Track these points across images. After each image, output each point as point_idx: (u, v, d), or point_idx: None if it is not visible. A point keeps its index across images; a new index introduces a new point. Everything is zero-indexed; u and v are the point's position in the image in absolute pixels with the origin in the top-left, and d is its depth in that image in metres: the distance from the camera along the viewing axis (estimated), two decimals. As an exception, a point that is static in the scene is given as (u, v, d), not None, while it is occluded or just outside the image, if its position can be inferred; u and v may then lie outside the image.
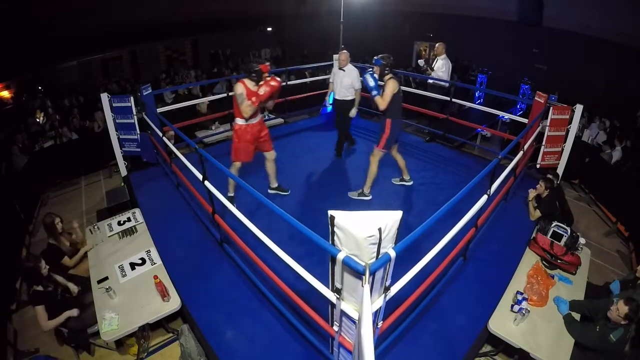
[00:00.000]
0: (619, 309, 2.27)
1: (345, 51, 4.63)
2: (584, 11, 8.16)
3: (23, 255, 4.11)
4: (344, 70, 4.58)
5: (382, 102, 3.48)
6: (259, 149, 3.75)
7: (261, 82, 3.35)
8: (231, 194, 3.85)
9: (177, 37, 12.10)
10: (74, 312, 2.76)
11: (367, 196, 4.06)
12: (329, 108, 6.90)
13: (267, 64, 3.42)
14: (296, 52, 13.81)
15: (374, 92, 3.46)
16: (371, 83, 3.43)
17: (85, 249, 3.35)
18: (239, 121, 3.49)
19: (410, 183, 4.36)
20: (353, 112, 4.73)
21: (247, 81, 3.38)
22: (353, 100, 4.68)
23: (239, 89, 3.33)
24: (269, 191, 4.15)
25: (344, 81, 4.58)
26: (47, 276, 2.75)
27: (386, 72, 3.50)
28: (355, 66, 4.75)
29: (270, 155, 3.85)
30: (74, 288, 2.90)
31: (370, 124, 6.45)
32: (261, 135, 3.65)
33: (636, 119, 6.95)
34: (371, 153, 3.91)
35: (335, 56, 6.21)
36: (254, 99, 3.32)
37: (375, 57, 3.55)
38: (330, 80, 4.91)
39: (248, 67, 3.40)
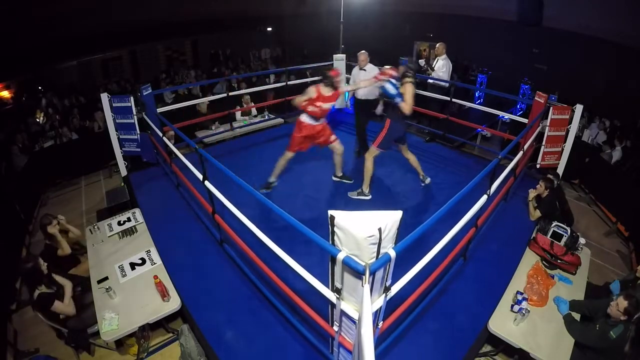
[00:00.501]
0: (619, 304, 2.29)
1: (364, 51, 4.71)
2: (584, 11, 8.15)
3: (23, 255, 4.11)
4: (365, 70, 4.62)
5: (407, 107, 3.42)
6: (317, 145, 4.03)
7: (333, 90, 3.64)
8: (272, 180, 4.15)
9: (177, 37, 12.09)
10: (68, 285, 2.81)
11: (366, 195, 4.03)
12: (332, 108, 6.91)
13: (336, 68, 3.84)
14: (296, 52, 13.80)
15: (398, 100, 3.46)
16: (392, 91, 3.46)
17: (55, 230, 3.25)
18: (304, 117, 3.77)
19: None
20: (379, 110, 4.78)
21: (321, 87, 3.64)
22: (375, 100, 4.71)
23: (312, 92, 3.60)
24: (333, 178, 4.41)
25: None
26: (48, 275, 2.75)
27: (409, 74, 3.45)
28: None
29: (335, 148, 4.03)
30: (68, 290, 2.88)
31: (371, 124, 6.42)
32: (319, 137, 3.90)
33: (636, 119, 6.95)
34: (367, 151, 3.97)
35: (336, 56, 6.24)
36: (318, 104, 3.61)
37: (401, 58, 3.75)
38: (351, 81, 4.90)
39: (321, 74, 3.72)
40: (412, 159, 4.16)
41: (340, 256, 1.55)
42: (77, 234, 3.53)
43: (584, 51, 8.44)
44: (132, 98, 4.45)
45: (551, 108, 4.14)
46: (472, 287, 2.97)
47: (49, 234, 3.21)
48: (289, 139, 3.92)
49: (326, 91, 3.62)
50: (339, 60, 6.25)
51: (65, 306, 2.72)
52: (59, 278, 2.87)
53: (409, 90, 3.41)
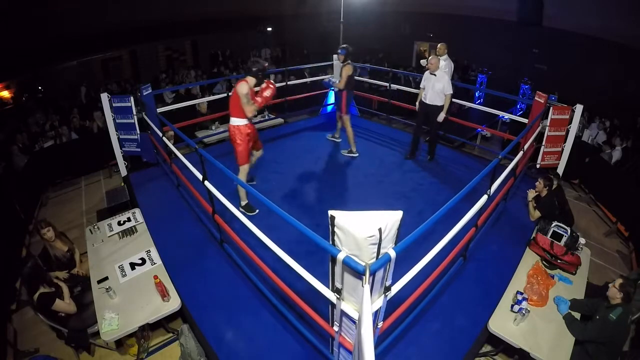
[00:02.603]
0: (615, 283, 2.40)
1: (435, 56, 4.57)
2: (584, 11, 8.16)
3: (23, 255, 4.12)
4: (435, 75, 4.44)
5: (341, 84, 4.70)
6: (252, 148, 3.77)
7: (263, 85, 3.44)
8: (245, 201, 3.78)
9: (177, 37, 12.09)
10: (65, 289, 2.79)
11: (355, 153, 5.06)
12: (329, 108, 6.92)
13: (267, 64, 3.47)
14: (296, 52, 13.82)
15: (333, 82, 4.84)
16: (327, 80, 5.17)
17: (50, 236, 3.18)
18: (241, 121, 3.44)
19: (356, 155, 5.08)
20: (441, 117, 4.55)
21: (250, 79, 3.39)
22: (441, 106, 4.51)
23: (245, 88, 3.29)
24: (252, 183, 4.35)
25: (436, 86, 4.44)
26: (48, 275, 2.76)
27: (348, 60, 4.68)
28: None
29: (259, 152, 3.99)
30: (66, 292, 2.89)
31: (372, 125, 6.45)
32: (255, 134, 3.71)
33: (636, 118, 6.95)
34: (340, 119, 5.08)
35: (336, 56, 6.23)
36: (258, 99, 3.41)
37: (340, 47, 4.67)
38: (421, 86, 4.71)
39: (251, 66, 3.40)
40: (350, 132, 5.01)
41: (341, 256, 1.55)
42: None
43: (584, 51, 8.45)
44: (132, 98, 4.45)
45: (551, 108, 4.14)
46: (472, 287, 2.97)
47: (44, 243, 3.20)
48: (237, 154, 3.54)
49: (253, 85, 3.43)
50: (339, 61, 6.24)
51: (66, 305, 2.72)
52: (55, 279, 2.88)
53: (345, 72, 4.66)
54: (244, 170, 3.61)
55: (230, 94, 3.53)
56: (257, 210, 3.77)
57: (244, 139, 3.48)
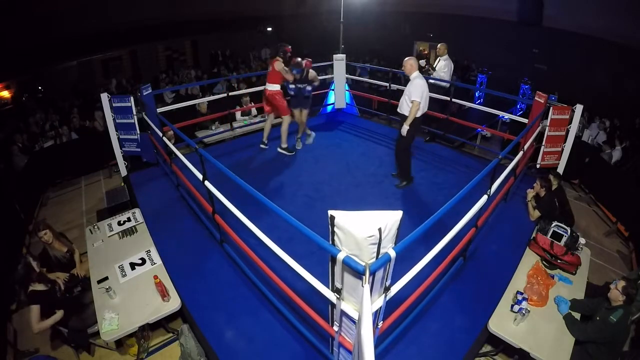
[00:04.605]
0: (618, 285, 2.40)
1: (411, 57, 3.92)
2: (584, 11, 8.17)
3: (23, 254, 4.12)
4: (409, 79, 3.90)
5: (318, 81, 5.10)
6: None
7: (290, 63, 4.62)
8: (285, 145, 5.00)
9: (177, 37, 12.10)
10: (59, 315, 2.71)
11: (292, 151, 5.13)
12: (329, 108, 6.92)
13: (289, 46, 4.71)
14: (296, 52, 13.82)
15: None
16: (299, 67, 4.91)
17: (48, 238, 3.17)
18: (276, 87, 4.65)
19: (294, 152, 5.19)
20: (404, 130, 3.91)
21: (280, 59, 4.54)
22: (417, 119, 3.89)
23: (281, 64, 4.53)
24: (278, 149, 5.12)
25: (406, 91, 3.90)
26: (40, 273, 2.75)
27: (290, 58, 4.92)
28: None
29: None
30: (61, 282, 2.89)
31: (372, 125, 6.44)
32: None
33: (636, 119, 6.95)
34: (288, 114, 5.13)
35: (336, 56, 6.24)
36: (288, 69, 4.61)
37: (280, 47, 4.78)
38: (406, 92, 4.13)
39: (280, 49, 4.66)
40: (301, 125, 5.26)
41: (340, 256, 1.55)
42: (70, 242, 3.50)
43: (584, 51, 8.45)
44: (132, 98, 4.45)
45: (551, 108, 4.14)
46: (472, 287, 2.97)
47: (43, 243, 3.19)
48: (280, 108, 4.76)
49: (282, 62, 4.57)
50: (339, 60, 6.24)
51: (35, 320, 2.58)
52: (52, 275, 2.87)
53: (314, 74, 5.01)
54: (287, 119, 4.87)
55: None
56: (294, 152, 5.08)
57: (281, 97, 4.72)
